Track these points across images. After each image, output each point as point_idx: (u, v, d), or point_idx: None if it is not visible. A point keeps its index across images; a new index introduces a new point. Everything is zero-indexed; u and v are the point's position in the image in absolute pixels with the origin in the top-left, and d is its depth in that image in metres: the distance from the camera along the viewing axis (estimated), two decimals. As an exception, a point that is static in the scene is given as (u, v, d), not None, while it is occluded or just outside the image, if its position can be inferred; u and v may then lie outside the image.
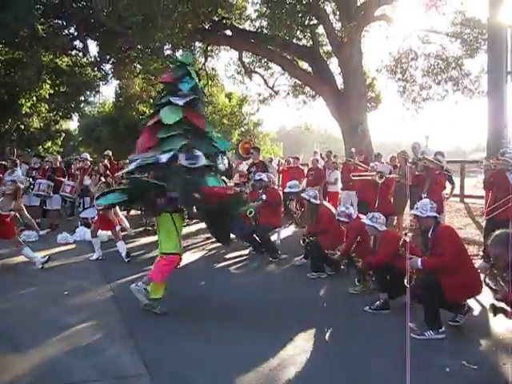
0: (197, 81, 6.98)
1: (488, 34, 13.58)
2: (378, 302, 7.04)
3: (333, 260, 8.72)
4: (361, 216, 8.29)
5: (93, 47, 66.89)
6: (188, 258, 10.18)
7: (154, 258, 9.66)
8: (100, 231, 10.90)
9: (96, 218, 11.29)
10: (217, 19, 19.49)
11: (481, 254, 9.77)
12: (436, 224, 6.33)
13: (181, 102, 6.58)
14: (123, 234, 12.41)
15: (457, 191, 14.08)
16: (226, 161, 7.06)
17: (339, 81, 19.03)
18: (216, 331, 6.09)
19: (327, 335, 6.14)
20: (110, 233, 11.48)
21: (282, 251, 10.73)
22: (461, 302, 6.23)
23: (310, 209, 9.39)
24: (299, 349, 5.58)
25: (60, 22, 20.71)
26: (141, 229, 13.25)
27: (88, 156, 15.55)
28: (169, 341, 5.78)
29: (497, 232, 4.98)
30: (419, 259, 6.14)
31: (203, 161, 6.40)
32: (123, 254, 9.98)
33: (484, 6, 12.90)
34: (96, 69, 24.38)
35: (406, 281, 5.61)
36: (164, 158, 6.26)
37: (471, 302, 6.74)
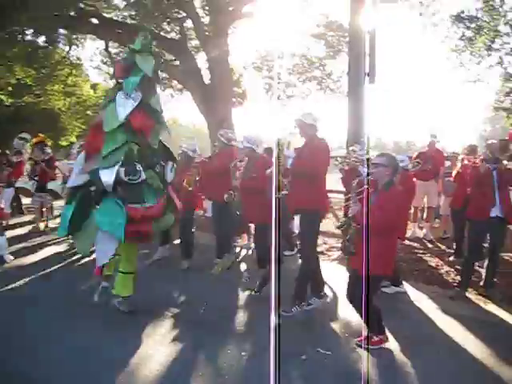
0: (147, 71, 6.21)
1: (349, 38, 14.19)
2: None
3: None
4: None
5: None
6: (40, 254, 9.87)
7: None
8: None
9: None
10: (82, 6, 18.83)
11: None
12: None
13: (123, 114, 6.03)
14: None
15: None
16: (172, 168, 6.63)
17: (206, 76, 19.05)
18: (66, 333, 5.92)
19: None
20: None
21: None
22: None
23: None
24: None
25: None
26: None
27: None
28: (16, 341, 5.53)
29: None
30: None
31: (143, 175, 6.05)
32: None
33: (346, 11, 13.44)
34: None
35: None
36: (104, 176, 5.85)
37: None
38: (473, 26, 14.04)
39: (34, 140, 13.45)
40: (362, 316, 5.50)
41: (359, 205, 5.46)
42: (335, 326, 6.27)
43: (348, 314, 6.34)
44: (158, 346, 5.52)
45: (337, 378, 4.88)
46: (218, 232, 8.95)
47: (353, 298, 5.56)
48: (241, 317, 6.60)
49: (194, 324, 6.21)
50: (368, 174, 5.61)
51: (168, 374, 4.90)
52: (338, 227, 5.79)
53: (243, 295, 7.44)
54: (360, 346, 5.52)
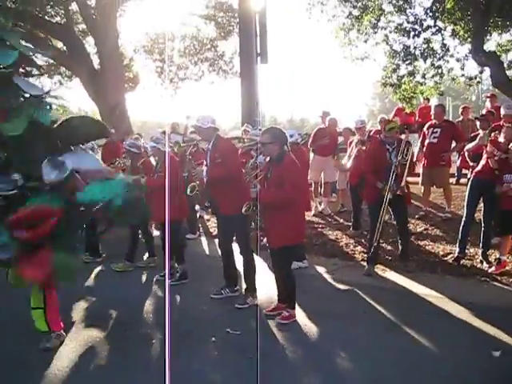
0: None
1: (239, 18, 14.25)
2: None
3: None
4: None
5: None
6: None
7: None
8: None
9: None
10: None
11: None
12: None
13: None
14: None
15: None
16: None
17: (96, 61, 18.53)
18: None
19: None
20: None
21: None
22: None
23: None
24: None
25: None
26: None
27: None
28: None
29: None
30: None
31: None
32: None
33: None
34: None
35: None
36: None
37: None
38: (359, 4, 14.40)
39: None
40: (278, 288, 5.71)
41: (258, 186, 5.59)
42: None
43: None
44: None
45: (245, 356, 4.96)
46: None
47: (273, 270, 5.78)
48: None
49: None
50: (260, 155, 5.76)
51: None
52: (245, 211, 5.83)
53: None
54: (271, 318, 5.67)
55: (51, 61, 21.06)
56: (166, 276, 7.13)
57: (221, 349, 5.19)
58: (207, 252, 9.34)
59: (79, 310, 6.55)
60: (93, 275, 8.13)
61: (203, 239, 10.13)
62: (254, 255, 6.60)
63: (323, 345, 5.24)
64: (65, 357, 5.06)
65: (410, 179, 8.48)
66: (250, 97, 13.09)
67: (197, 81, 21.83)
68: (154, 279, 7.57)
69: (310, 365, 4.87)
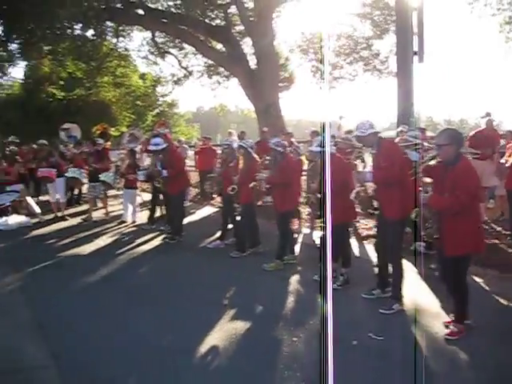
0: None
1: (396, 16, 13.96)
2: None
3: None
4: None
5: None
6: (93, 244, 10.14)
7: (64, 246, 9.65)
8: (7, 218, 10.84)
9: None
10: (128, -3, 19.05)
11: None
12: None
13: None
14: (34, 219, 12.18)
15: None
16: None
17: (252, 61, 19.03)
18: (127, 319, 6.04)
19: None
20: (19, 219, 11.40)
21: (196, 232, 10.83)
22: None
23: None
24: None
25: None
26: (52, 215, 12.85)
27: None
28: (79, 330, 5.68)
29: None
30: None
31: None
32: None
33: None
34: (1, 49, 23.29)
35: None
36: None
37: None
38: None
39: (98, 131, 13.82)
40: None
41: (431, 193, 5.43)
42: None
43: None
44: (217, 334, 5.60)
45: (388, 364, 4.84)
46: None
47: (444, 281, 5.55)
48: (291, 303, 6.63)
49: (245, 312, 6.27)
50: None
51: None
52: (414, 217, 5.68)
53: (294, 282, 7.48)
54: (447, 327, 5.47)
55: (211, 62, 21.98)
56: (328, 279, 7.09)
57: (360, 353, 5.09)
58: (357, 254, 9.21)
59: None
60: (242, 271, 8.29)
61: (352, 241, 10.00)
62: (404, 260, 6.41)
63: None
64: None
65: None
66: (406, 96, 12.80)
67: (351, 80, 21.71)
68: (314, 278, 7.49)
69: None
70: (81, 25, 18.59)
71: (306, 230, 10.56)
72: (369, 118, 6.51)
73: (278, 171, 8.03)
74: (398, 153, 6.50)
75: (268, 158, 8.94)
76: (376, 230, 7.22)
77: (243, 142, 9.20)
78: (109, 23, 21.25)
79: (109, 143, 13.21)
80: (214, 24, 20.39)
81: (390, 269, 6.53)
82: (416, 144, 8.83)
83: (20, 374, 4.70)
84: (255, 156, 9.02)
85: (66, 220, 12.49)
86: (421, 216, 5.55)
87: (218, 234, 9.92)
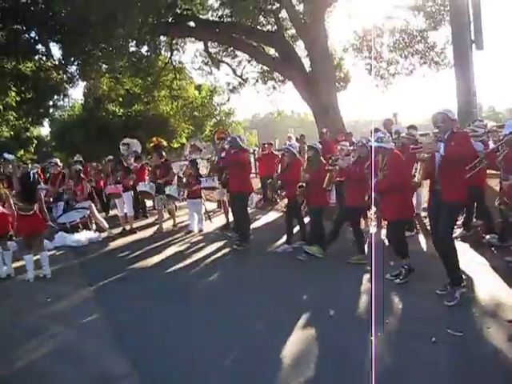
0: None
1: (450, 6, 13.63)
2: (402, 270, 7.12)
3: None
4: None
5: (56, 50, 66.00)
6: (163, 254, 10.27)
7: (134, 259, 9.80)
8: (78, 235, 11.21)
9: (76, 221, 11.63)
10: (179, 11, 19.29)
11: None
12: None
13: None
14: (103, 234, 12.44)
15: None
16: None
17: (307, 64, 18.95)
18: (202, 326, 6.08)
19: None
20: (90, 235, 11.67)
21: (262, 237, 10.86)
22: None
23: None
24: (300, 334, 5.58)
25: (19, 26, 20.30)
26: (120, 229, 13.10)
27: (58, 161, 15.29)
28: (156, 340, 5.74)
29: None
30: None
31: None
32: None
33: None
34: (61, 71, 23.96)
35: None
36: None
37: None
38: None
39: (151, 145, 14.06)
40: None
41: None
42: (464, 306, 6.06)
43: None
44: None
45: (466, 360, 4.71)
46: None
47: None
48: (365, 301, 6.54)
49: (321, 315, 6.22)
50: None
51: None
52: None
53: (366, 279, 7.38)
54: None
55: (265, 67, 22.05)
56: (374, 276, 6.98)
57: (439, 350, 4.95)
58: (425, 249, 9.02)
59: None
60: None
61: (420, 236, 9.81)
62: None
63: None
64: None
65: None
66: (465, 87, 12.48)
67: (408, 75, 21.32)
68: (387, 276, 7.36)
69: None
70: (135, 42, 18.97)
71: (372, 229, 10.42)
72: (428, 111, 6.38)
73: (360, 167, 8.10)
74: (470, 142, 6.42)
75: (333, 157, 8.90)
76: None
77: (313, 144, 9.23)
78: (162, 38, 21.62)
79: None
80: (265, 30, 20.44)
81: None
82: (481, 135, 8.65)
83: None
84: (322, 158, 9.03)
85: (135, 233, 12.74)
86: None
87: (285, 238, 9.90)
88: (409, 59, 20.82)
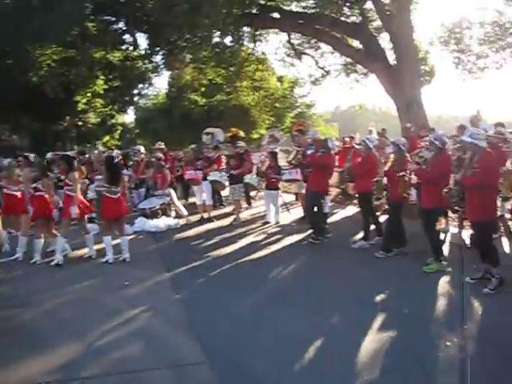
0: None
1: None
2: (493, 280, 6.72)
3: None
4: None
5: (142, 40, 67.46)
6: (239, 244, 10.34)
7: (211, 247, 9.90)
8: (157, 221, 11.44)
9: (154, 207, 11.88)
10: (263, 2, 19.28)
11: None
12: None
13: None
14: (182, 221, 12.65)
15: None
16: None
17: (391, 56, 18.55)
18: (273, 318, 6.10)
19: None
20: (168, 222, 11.88)
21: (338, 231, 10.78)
22: None
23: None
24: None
25: (109, 17, 20.89)
26: (198, 217, 13.28)
27: (142, 148, 15.66)
28: (229, 329, 5.80)
29: None
30: None
31: None
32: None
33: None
34: (147, 61, 24.50)
35: None
36: None
37: None
38: None
39: (229, 135, 14.17)
40: None
41: None
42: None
43: None
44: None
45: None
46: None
47: None
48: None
49: (395, 315, 6.11)
50: None
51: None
52: None
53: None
54: None
55: (348, 60, 21.77)
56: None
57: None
58: (508, 252, 8.69)
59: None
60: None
61: (503, 239, 9.43)
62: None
63: None
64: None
65: None
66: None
67: (498, 69, 20.52)
68: (466, 279, 7.10)
69: None
70: (219, 32, 19.12)
71: (453, 230, 10.12)
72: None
73: (433, 166, 7.75)
74: None
75: (420, 154, 8.57)
76: None
77: (396, 140, 9.04)
78: (246, 29, 21.70)
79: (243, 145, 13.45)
80: (349, 21, 20.14)
81: None
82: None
83: (174, 370, 4.87)
84: (407, 154, 8.77)
85: (213, 221, 12.89)
86: None
87: (362, 234, 9.77)
88: (499, 53, 20.04)
